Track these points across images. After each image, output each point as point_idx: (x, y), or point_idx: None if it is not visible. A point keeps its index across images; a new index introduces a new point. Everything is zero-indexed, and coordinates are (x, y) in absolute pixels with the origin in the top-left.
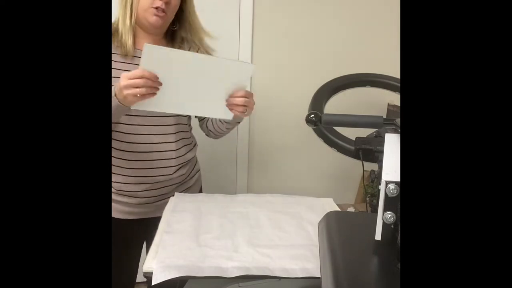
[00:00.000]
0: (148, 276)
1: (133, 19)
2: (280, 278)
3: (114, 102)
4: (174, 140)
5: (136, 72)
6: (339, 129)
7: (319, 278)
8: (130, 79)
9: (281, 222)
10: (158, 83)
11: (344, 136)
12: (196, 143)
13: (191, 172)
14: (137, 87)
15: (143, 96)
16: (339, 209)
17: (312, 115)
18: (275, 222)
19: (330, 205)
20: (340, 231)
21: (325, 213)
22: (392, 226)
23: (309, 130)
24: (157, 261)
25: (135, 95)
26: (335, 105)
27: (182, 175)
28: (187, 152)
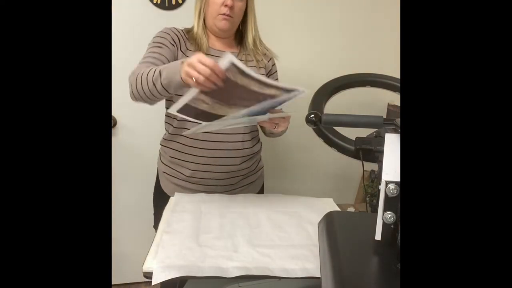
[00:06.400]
0: (148, 276)
1: (205, 26)
2: (280, 278)
3: (176, 70)
4: (244, 132)
5: (209, 61)
6: (339, 129)
7: (319, 278)
8: (199, 62)
9: (281, 222)
10: (220, 81)
11: (344, 136)
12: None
13: (256, 167)
14: (198, 72)
15: (198, 84)
16: (339, 209)
17: (312, 115)
18: (275, 222)
19: (330, 205)
20: (340, 231)
21: (325, 213)
22: (392, 226)
23: (309, 130)
24: (157, 261)
25: (190, 77)
26: (335, 105)
27: (247, 168)
28: (254, 145)
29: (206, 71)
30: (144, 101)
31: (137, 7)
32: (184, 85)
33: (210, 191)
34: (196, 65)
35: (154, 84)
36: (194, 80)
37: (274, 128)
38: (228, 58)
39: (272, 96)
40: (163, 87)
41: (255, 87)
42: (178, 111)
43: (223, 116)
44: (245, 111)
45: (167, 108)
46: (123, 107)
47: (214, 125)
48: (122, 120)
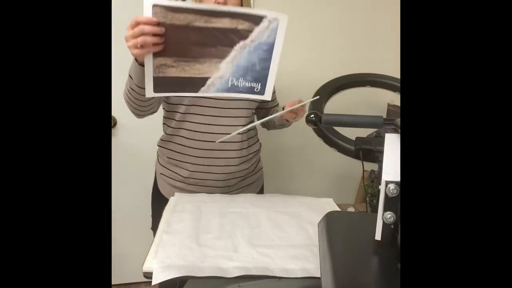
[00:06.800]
0: (148, 276)
1: None
2: (280, 278)
3: (133, 63)
4: (242, 132)
5: (133, 20)
6: (339, 129)
7: (319, 278)
8: (128, 28)
9: (281, 222)
10: (156, 29)
11: (344, 136)
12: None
13: (255, 167)
14: (134, 37)
15: (143, 48)
16: (339, 209)
17: (312, 115)
18: (275, 222)
19: (330, 205)
20: (340, 231)
21: (325, 213)
22: (392, 226)
23: (309, 130)
24: (157, 261)
25: (136, 47)
26: (335, 105)
27: (246, 169)
28: (253, 145)
29: (137, 30)
30: (140, 111)
31: (137, 7)
32: (141, 64)
33: (208, 193)
34: (129, 33)
35: (130, 87)
36: (140, 48)
37: (294, 118)
38: (146, 2)
39: (240, 34)
40: (135, 84)
41: (201, 22)
42: (156, 91)
43: (207, 77)
44: (226, 66)
45: (164, 109)
46: (123, 107)
47: (243, 129)
48: (122, 120)
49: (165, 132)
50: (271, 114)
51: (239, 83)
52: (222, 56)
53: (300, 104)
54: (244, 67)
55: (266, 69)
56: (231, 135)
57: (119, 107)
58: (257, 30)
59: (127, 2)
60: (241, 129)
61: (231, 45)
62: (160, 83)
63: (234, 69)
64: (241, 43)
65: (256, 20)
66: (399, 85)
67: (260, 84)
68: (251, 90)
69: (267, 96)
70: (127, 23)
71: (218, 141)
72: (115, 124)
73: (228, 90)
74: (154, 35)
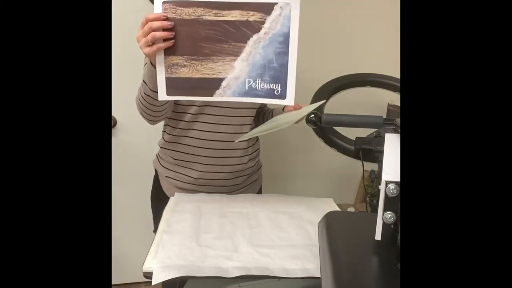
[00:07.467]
0: (148, 276)
1: None
2: (280, 278)
3: (147, 67)
4: (248, 131)
5: (144, 19)
6: (339, 129)
7: (319, 278)
8: (140, 29)
9: (281, 222)
10: (165, 23)
11: (344, 136)
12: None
13: (257, 165)
14: (145, 36)
15: (158, 44)
16: (339, 209)
17: (312, 115)
18: (275, 222)
19: (330, 205)
20: (340, 231)
21: (325, 213)
22: (392, 226)
23: (309, 130)
24: (157, 261)
25: (147, 45)
26: (335, 105)
27: (252, 166)
28: (256, 142)
29: (146, 27)
30: (154, 116)
31: (137, 6)
32: (154, 64)
33: (216, 192)
34: (139, 33)
35: (145, 93)
36: (151, 45)
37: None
38: (156, 0)
39: (252, 26)
40: (150, 89)
41: (211, 15)
42: (169, 94)
43: (222, 78)
44: (242, 64)
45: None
46: (123, 107)
47: (260, 129)
48: (122, 120)
49: (169, 134)
50: (265, 117)
51: (257, 85)
52: (235, 53)
53: (307, 110)
54: (260, 65)
55: (284, 66)
56: (251, 133)
57: (119, 107)
58: (269, 20)
59: (127, 2)
60: (257, 129)
61: (244, 40)
62: (173, 85)
63: (250, 68)
64: (255, 36)
65: (267, 8)
66: (399, 85)
67: (280, 85)
68: (270, 93)
69: (290, 100)
70: (127, 23)
71: (237, 140)
72: (115, 124)
73: (246, 93)
74: (164, 30)
